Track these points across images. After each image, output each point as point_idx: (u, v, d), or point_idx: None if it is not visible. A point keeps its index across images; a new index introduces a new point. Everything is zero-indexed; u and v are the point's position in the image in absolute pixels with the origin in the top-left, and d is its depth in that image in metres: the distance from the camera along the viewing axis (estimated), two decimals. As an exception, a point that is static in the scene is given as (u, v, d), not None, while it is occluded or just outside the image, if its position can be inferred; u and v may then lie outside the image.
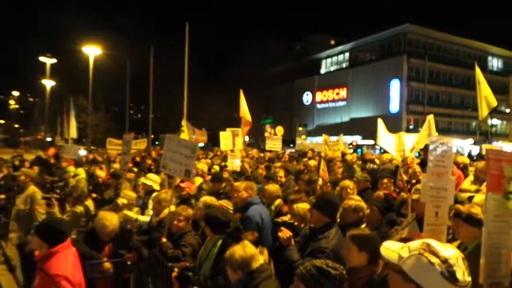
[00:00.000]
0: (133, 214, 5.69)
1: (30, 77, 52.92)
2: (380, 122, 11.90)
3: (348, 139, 35.54)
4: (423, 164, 7.20)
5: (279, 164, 10.33)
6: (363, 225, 3.92)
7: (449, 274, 1.42)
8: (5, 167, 11.79)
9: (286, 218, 4.35)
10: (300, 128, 44.97)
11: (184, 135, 14.05)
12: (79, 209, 6.21)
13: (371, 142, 36.97)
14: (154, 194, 5.68)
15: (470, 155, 20.16)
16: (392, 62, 48.06)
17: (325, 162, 6.98)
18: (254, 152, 16.82)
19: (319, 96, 59.54)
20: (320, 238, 3.41)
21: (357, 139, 42.27)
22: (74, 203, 6.35)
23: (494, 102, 7.63)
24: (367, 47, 54.01)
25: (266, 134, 33.76)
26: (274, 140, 14.91)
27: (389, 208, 4.94)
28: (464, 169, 7.53)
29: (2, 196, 7.99)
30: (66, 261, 2.95)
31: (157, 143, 37.02)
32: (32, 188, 6.34)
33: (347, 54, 57.16)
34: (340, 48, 58.08)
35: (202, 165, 8.61)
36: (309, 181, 6.34)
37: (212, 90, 52.24)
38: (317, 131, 49.83)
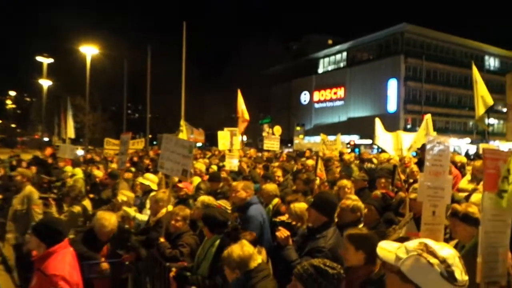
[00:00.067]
0: (131, 211, 5.70)
1: (27, 76, 52.72)
2: (377, 121, 11.92)
3: (346, 138, 35.63)
4: (420, 163, 7.21)
5: (277, 163, 10.34)
6: (361, 225, 3.93)
7: (448, 274, 1.43)
8: (2, 167, 11.74)
9: (284, 217, 4.35)
10: (298, 128, 45.01)
11: (183, 135, 14.02)
12: (77, 209, 6.19)
13: (369, 141, 37.06)
14: (152, 194, 5.68)
15: (467, 155, 20.22)
16: (389, 61, 48.15)
17: (322, 161, 7.00)
18: (252, 151, 16.82)
19: (317, 95, 59.59)
20: (318, 237, 3.42)
21: (355, 138, 42.39)
22: (71, 203, 6.32)
23: (490, 101, 7.66)
24: (364, 47, 54.08)
25: (264, 134, 33.75)
26: (272, 140, 14.91)
27: (387, 207, 4.95)
28: (461, 168, 7.56)
29: (-1, 197, 7.96)
30: (64, 261, 2.95)
31: (155, 143, 37.00)
32: (29, 188, 6.31)
33: (344, 54, 57.21)
34: (337, 47, 58.13)
35: (200, 165, 8.60)
36: (307, 181, 6.35)
37: (210, 90, 52.17)
38: (315, 131, 49.88)
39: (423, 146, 6.54)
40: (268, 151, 14.98)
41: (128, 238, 4.82)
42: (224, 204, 4.97)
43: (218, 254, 3.54)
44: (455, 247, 3.12)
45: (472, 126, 47.95)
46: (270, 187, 5.58)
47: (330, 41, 61.91)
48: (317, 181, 6.05)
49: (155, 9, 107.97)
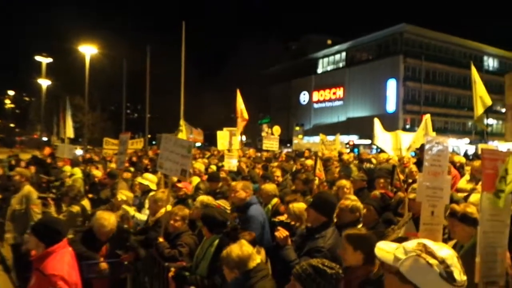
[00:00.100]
0: (131, 209, 5.70)
1: (26, 76, 52.74)
2: (376, 121, 11.93)
3: (345, 138, 35.63)
4: (419, 163, 7.22)
5: (276, 163, 10.34)
6: (360, 225, 3.93)
7: (447, 275, 1.43)
8: (0, 167, 11.71)
9: (283, 217, 4.35)
10: (297, 128, 45.00)
11: (182, 135, 14.04)
12: (76, 208, 6.18)
13: (368, 141, 37.08)
14: (151, 194, 5.68)
15: (466, 155, 20.26)
16: (388, 61, 48.18)
17: (321, 161, 7.00)
18: (251, 151, 16.83)
19: (316, 95, 59.60)
20: (317, 237, 3.42)
21: (354, 138, 42.38)
22: (70, 202, 6.31)
23: (489, 102, 7.67)
24: (363, 47, 54.10)
25: (263, 134, 33.75)
26: (271, 140, 14.92)
27: (386, 207, 4.96)
28: (460, 168, 7.57)
29: (-2, 196, 7.94)
30: (63, 261, 2.94)
31: (154, 142, 36.97)
32: (28, 188, 6.30)
33: (343, 54, 57.23)
34: (336, 47, 58.14)
35: (199, 165, 8.60)
36: (306, 181, 6.35)
37: (209, 90, 52.16)
38: (314, 131, 49.87)
39: (422, 146, 6.55)
40: (267, 151, 14.99)
41: (127, 238, 4.81)
42: (223, 204, 4.97)
43: (217, 254, 3.54)
44: (454, 247, 3.13)
45: (471, 127, 47.99)
46: (269, 187, 5.58)
47: (329, 41, 61.93)
48: (316, 181, 6.06)
49: (154, 9, 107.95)
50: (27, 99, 77.97)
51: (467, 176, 6.29)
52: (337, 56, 58.43)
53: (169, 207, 4.82)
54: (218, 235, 3.93)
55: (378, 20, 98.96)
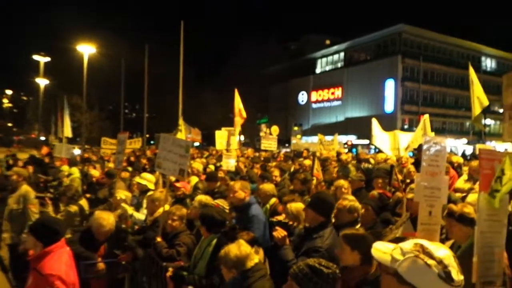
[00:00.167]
0: (129, 208, 5.70)
1: (23, 75, 52.47)
2: (374, 121, 11.94)
3: (343, 138, 35.69)
4: (417, 163, 7.24)
5: (274, 163, 10.35)
6: (358, 225, 3.93)
7: (446, 275, 1.43)
8: (-2, 166, 11.68)
9: (281, 217, 4.35)
10: (295, 128, 45.03)
11: (181, 135, 14.03)
12: (73, 208, 6.17)
13: (366, 141, 37.11)
14: (149, 194, 5.67)
15: (464, 155, 20.31)
16: (387, 62, 48.26)
17: (319, 161, 7.01)
18: (249, 151, 16.84)
19: (314, 95, 59.64)
20: (315, 237, 3.42)
21: (352, 138, 42.39)
22: (68, 202, 6.31)
23: (486, 102, 7.71)
24: (362, 47, 54.17)
25: (262, 134, 33.76)
26: (269, 140, 14.93)
27: (384, 207, 4.97)
28: (457, 168, 7.60)
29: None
30: (60, 260, 2.93)
31: (152, 142, 36.90)
32: (25, 188, 6.28)
33: (342, 54, 57.28)
34: (335, 48, 58.19)
35: (198, 165, 8.60)
36: (305, 181, 6.35)
37: (208, 90, 52.09)
38: (312, 131, 49.92)
39: (420, 146, 6.57)
40: (265, 151, 14.99)
41: (125, 238, 4.81)
42: (222, 203, 4.97)
43: (215, 254, 3.53)
44: (451, 247, 3.14)
45: (469, 127, 48.14)
46: (268, 187, 5.58)
47: (328, 41, 61.97)
48: (314, 181, 6.06)
49: (154, 9, 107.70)
50: (25, 98, 77.76)
51: (464, 176, 6.31)
52: (336, 56, 58.49)
53: (167, 207, 4.82)
54: (216, 234, 3.93)
55: (377, 20, 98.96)
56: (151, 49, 30.91)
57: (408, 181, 6.60)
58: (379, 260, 1.59)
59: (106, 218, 4.40)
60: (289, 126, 47.09)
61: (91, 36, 30.15)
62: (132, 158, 13.33)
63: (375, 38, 51.07)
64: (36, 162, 12.46)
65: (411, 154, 11.26)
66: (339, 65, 57.54)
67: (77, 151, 18.09)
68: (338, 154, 11.63)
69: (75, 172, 9.46)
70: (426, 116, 10.64)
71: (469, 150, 35.43)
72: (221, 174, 7.77)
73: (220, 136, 14.03)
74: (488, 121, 45.43)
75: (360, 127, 40.69)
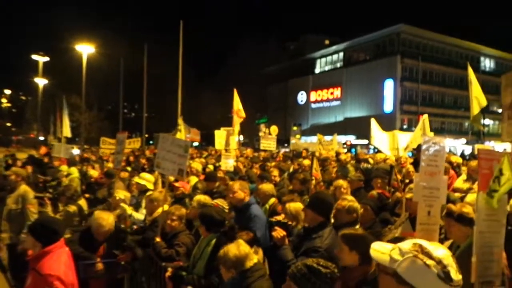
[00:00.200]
0: (128, 208, 5.69)
1: (22, 75, 52.46)
2: (373, 121, 11.94)
3: (342, 138, 35.67)
4: (416, 163, 7.25)
5: (273, 163, 10.34)
6: (357, 226, 3.93)
7: (445, 275, 1.43)
8: (-4, 166, 11.67)
9: (280, 217, 4.35)
10: (295, 128, 45.02)
11: (181, 134, 14.03)
12: (72, 208, 6.17)
13: (365, 141, 37.14)
14: (148, 194, 5.67)
15: (462, 155, 20.33)
16: (386, 62, 48.29)
17: (318, 161, 7.00)
18: (248, 151, 16.84)
19: (314, 95, 59.65)
20: (314, 237, 3.42)
21: (351, 138, 42.41)
22: (67, 202, 6.30)
23: (484, 102, 7.74)
24: (361, 47, 54.20)
25: (261, 134, 33.79)
26: (268, 140, 14.94)
27: (383, 207, 4.97)
28: (456, 168, 7.61)
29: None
30: (59, 260, 2.93)
31: (151, 142, 36.89)
32: (24, 188, 6.27)
33: (341, 54, 57.31)
34: (334, 48, 58.21)
35: (197, 164, 8.60)
36: (304, 181, 6.35)
37: (207, 90, 52.07)
38: (311, 131, 49.93)
39: (419, 146, 6.57)
40: (264, 151, 15.00)
41: (124, 238, 4.80)
42: (221, 203, 4.96)
43: (214, 254, 3.53)
44: (450, 247, 3.14)
45: (468, 127, 48.16)
46: (267, 187, 5.58)
47: (327, 41, 61.98)
48: (313, 181, 6.06)
49: (154, 9, 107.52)
50: (23, 98, 77.60)
51: (463, 176, 6.32)
52: (335, 56, 58.52)
53: (166, 207, 4.82)
54: (216, 234, 3.93)
55: (376, 20, 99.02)
56: (150, 49, 30.97)
57: (407, 181, 6.60)
58: (378, 261, 1.59)
59: (106, 218, 4.39)
60: (288, 126, 47.10)
61: (90, 35, 30.16)
62: (131, 158, 13.32)
63: (374, 38, 51.11)
64: (35, 162, 12.44)
65: (410, 154, 11.26)
66: (338, 65, 57.57)
67: (76, 151, 18.07)
68: (337, 154, 11.63)
69: (74, 172, 9.45)
70: (426, 116, 10.65)
71: (468, 150, 35.46)
72: (220, 174, 7.77)
73: (219, 136, 14.03)
74: (487, 121, 45.50)
75: (359, 127, 40.72)
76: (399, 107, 47.56)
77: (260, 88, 58.39)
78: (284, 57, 65.40)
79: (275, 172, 7.85)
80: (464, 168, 7.37)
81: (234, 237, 3.60)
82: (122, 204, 5.70)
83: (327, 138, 15.17)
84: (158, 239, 4.38)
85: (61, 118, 27.92)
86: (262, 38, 63.16)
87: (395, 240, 1.90)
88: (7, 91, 78.61)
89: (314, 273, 2.28)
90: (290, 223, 3.98)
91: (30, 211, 6.03)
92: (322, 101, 58.34)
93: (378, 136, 11.74)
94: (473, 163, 5.97)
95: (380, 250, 1.60)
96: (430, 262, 1.44)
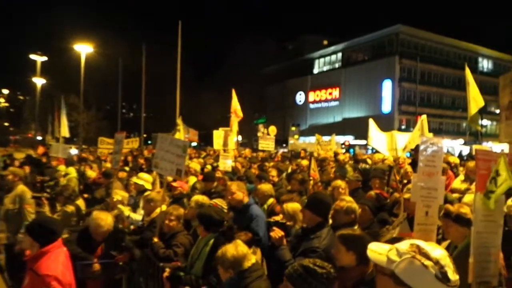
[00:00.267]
0: (126, 209, 5.68)
1: (20, 75, 52.32)
2: (371, 122, 11.92)
3: (341, 139, 35.71)
4: (414, 164, 7.26)
5: (271, 163, 10.35)
6: (356, 227, 3.93)
7: (442, 275, 1.43)
8: (-6, 166, 11.63)
9: (279, 217, 4.35)
10: (293, 128, 45.04)
11: (180, 135, 14.01)
12: (70, 208, 6.15)
13: (364, 142, 37.15)
14: (145, 194, 5.66)
15: (460, 155, 20.40)
16: (384, 62, 48.37)
17: (316, 162, 7.01)
18: (247, 151, 16.84)
19: (312, 96, 59.69)
20: (312, 237, 3.42)
21: (350, 139, 42.51)
22: (64, 202, 6.28)
23: (481, 102, 7.75)
24: (359, 48, 54.28)
25: (259, 134, 33.79)
26: (267, 140, 14.93)
27: (381, 207, 4.98)
28: (454, 168, 7.63)
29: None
30: (57, 261, 2.92)
31: (149, 142, 36.83)
32: (21, 187, 6.25)
33: (339, 54, 57.38)
34: (332, 48, 58.27)
35: (195, 165, 8.59)
36: (302, 181, 6.36)
37: (206, 90, 52.04)
38: (309, 131, 49.95)
39: (417, 147, 6.58)
40: (263, 151, 14.99)
41: (122, 238, 4.79)
42: (220, 203, 4.96)
43: (212, 254, 3.53)
44: (448, 247, 3.15)
45: (466, 127, 48.30)
46: (265, 187, 5.58)
47: (325, 42, 62.02)
48: (311, 182, 6.07)
49: (152, 8, 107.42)
50: (21, 97, 77.33)
51: (461, 177, 6.34)
52: (333, 57, 58.59)
53: (164, 207, 4.81)
54: (214, 234, 3.93)
55: (374, 21, 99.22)
56: (149, 49, 30.91)
57: (405, 181, 6.61)
58: (375, 261, 1.59)
59: (104, 219, 4.38)
60: (286, 126, 47.09)
61: (88, 35, 30.13)
62: (129, 158, 13.31)
63: (373, 38, 51.19)
64: (33, 162, 12.41)
65: (408, 154, 11.27)
66: (336, 65, 57.64)
67: (74, 151, 18.01)
68: (336, 154, 11.64)
69: (72, 172, 9.43)
70: (424, 116, 10.63)
71: (465, 150, 35.55)
72: (218, 174, 7.77)
73: (218, 136, 14.01)
74: (485, 121, 45.72)
75: (358, 128, 40.74)
76: (397, 108, 47.64)
77: (258, 88, 58.44)
78: (283, 57, 65.39)
79: (273, 172, 7.85)
80: (462, 169, 7.39)
81: (233, 238, 3.60)
82: (120, 206, 5.68)
83: (326, 138, 15.18)
84: (156, 240, 4.37)
85: (59, 118, 27.80)
86: (261, 38, 63.21)
87: (393, 241, 1.90)
88: (5, 91, 78.44)
89: (310, 274, 2.28)
90: (288, 223, 3.98)
91: (28, 211, 6.01)
92: (320, 101, 58.39)
93: (376, 136, 11.73)
94: (471, 163, 5.99)
95: (378, 250, 1.59)
96: (428, 262, 1.44)
